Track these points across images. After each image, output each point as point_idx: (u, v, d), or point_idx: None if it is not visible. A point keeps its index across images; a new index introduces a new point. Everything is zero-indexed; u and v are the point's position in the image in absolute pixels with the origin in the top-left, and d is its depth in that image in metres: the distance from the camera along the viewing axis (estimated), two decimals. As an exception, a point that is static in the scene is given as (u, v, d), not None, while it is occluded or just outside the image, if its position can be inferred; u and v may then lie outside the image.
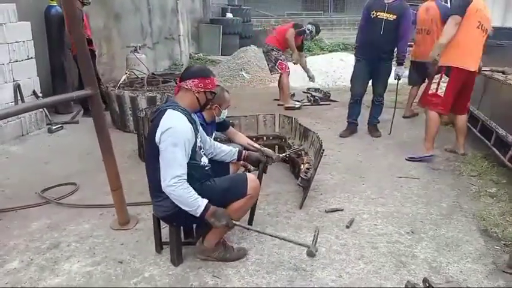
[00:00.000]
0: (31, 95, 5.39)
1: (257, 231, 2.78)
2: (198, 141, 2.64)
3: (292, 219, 3.28)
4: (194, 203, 2.40)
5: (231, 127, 3.59)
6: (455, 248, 2.86)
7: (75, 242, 2.96)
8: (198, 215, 2.42)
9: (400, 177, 4.03)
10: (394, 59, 5.19)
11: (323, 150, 3.45)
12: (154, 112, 2.66)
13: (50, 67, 6.21)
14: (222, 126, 3.50)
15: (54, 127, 5.49)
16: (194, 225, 2.92)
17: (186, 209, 2.42)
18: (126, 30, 8.50)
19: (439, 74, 4.17)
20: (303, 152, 3.91)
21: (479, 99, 4.68)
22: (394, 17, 4.78)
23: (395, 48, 5.02)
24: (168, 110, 2.51)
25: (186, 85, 2.60)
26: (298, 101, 7.10)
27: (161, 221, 2.76)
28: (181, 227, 2.81)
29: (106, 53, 7.85)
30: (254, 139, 4.35)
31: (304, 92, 7.71)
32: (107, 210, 3.40)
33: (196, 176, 2.56)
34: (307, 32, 7.02)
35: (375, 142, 5.07)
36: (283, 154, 3.50)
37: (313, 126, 5.66)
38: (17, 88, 4.96)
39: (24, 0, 5.85)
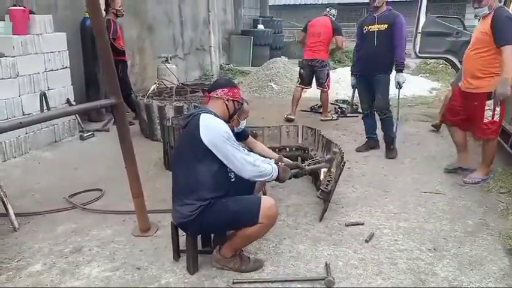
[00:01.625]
0: (65, 103, 5.61)
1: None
2: None
3: (311, 231, 3.26)
4: (274, 171, 2.70)
5: (250, 136, 3.61)
6: (478, 267, 2.76)
7: (97, 247, 3.04)
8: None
9: (425, 192, 3.93)
10: (393, 72, 4.95)
11: (344, 162, 3.42)
12: (188, 117, 2.72)
13: (84, 76, 6.45)
14: (241, 136, 3.54)
15: (85, 134, 5.68)
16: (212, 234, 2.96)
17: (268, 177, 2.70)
18: (159, 41, 8.73)
19: (491, 101, 3.87)
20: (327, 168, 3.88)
21: (511, 113, 4.52)
22: (386, 26, 4.75)
23: (393, 61, 4.84)
24: (203, 114, 2.60)
25: (216, 94, 2.73)
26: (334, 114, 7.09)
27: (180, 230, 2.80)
28: (199, 236, 2.85)
29: (138, 63, 8.08)
30: (277, 150, 4.38)
31: (331, 104, 7.67)
32: (129, 216, 3.48)
33: (219, 187, 2.58)
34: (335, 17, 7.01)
35: (401, 156, 4.97)
36: (309, 167, 3.45)
37: (339, 138, 5.67)
38: (43, 96, 5.14)
39: (61, 11, 6.13)
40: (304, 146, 4.51)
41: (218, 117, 2.64)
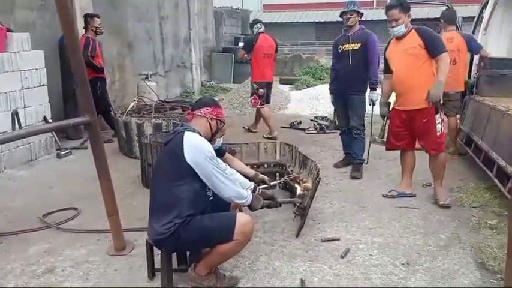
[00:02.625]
0: (41, 121, 5.56)
1: None
2: None
3: (288, 248, 3.27)
4: (248, 198, 2.73)
5: (227, 153, 3.64)
6: (450, 281, 2.80)
7: (70, 267, 3.00)
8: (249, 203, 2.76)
9: (400, 207, 3.99)
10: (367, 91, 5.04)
11: (319, 178, 3.46)
12: (171, 134, 2.75)
13: (62, 94, 6.42)
14: (218, 153, 3.54)
15: (62, 152, 5.63)
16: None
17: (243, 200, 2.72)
18: (139, 59, 8.76)
19: (439, 114, 3.95)
20: (300, 180, 3.92)
21: (482, 130, 4.66)
22: (359, 45, 4.86)
23: (368, 79, 4.94)
24: (186, 132, 2.61)
25: (200, 112, 2.77)
26: (303, 129, 7.19)
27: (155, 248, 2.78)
28: (175, 253, 2.84)
29: (118, 80, 8.08)
30: (255, 166, 4.41)
31: (311, 120, 7.77)
32: (104, 235, 3.44)
33: (198, 205, 2.60)
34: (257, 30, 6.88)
35: (377, 172, 5.05)
36: (278, 181, 3.52)
37: (317, 154, 5.74)
38: (15, 115, 5.08)
39: (39, 29, 6.13)
40: (281, 163, 4.55)
41: (201, 135, 2.67)
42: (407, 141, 4.15)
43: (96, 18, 6.26)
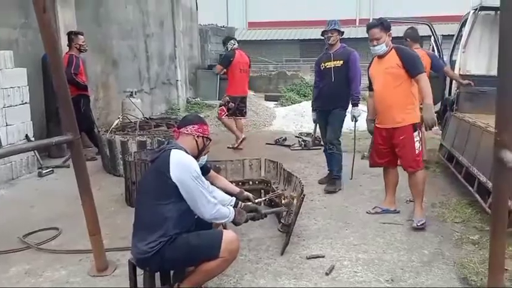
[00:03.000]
0: (24, 139, 5.49)
1: None
2: None
3: (273, 265, 3.26)
4: (230, 215, 2.74)
5: (212, 171, 3.63)
6: (434, 297, 2.82)
7: (51, 289, 2.94)
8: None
9: (384, 223, 4.02)
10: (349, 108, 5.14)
11: (303, 195, 3.47)
12: (158, 151, 2.74)
13: (45, 112, 6.36)
14: (203, 171, 3.54)
15: (44, 171, 5.55)
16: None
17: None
18: (124, 76, 8.74)
19: (417, 132, 3.96)
20: (284, 197, 3.92)
21: (463, 146, 4.74)
22: (341, 62, 4.96)
23: (350, 97, 5.04)
24: (173, 150, 2.61)
25: (187, 130, 2.76)
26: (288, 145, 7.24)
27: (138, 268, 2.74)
28: (158, 273, 2.80)
29: (102, 97, 8.04)
30: (240, 183, 4.40)
31: (296, 137, 7.82)
32: (86, 255, 3.38)
33: (183, 224, 2.58)
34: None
35: (361, 188, 5.08)
36: (262, 199, 3.52)
37: (302, 170, 5.75)
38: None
39: (22, 47, 6.09)
40: (266, 179, 4.55)
41: (187, 153, 2.66)
42: (389, 158, 4.17)
43: (80, 36, 6.26)
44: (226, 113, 6.98)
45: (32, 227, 3.90)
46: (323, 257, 3.38)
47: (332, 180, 5.03)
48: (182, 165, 2.55)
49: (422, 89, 3.84)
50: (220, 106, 7.09)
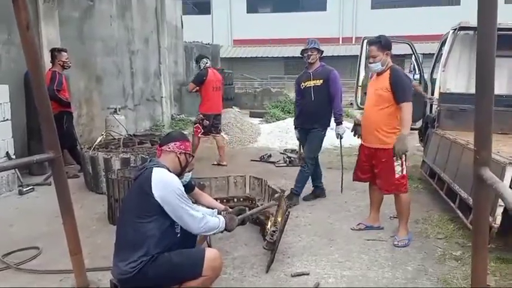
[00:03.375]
0: (4, 156, 5.39)
1: None
2: None
3: (257, 283, 3.23)
4: (221, 224, 2.78)
5: (196, 188, 3.61)
6: (418, 314, 2.82)
7: (29, 310, 2.86)
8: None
9: (368, 240, 4.03)
10: (330, 126, 5.19)
11: (288, 212, 3.47)
12: (140, 170, 2.73)
13: (26, 129, 6.27)
14: (187, 188, 3.52)
15: (25, 189, 5.44)
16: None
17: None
18: (108, 92, 8.70)
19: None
20: (270, 214, 3.92)
21: (444, 163, 4.81)
22: (321, 81, 5.00)
23: (331, 115, 5.08)
24: (155, 169, 2.60)
25: (169, 148, 2.77)
26: (273, 162, 7.27)
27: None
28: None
29: (85, 114, 7.97)
30: (225, 201, 4.39)
31: (281, 153, 7.84)
32: (67, 275, 3.31)
33: (165, 243, 2.56)
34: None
35: (346, 204, 5.11)
36: (246, 214, 3.48)
37: (287, 187, 5.72)
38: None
39: (4, 64, 6.03)
40: (251, 197, 4.55)
41: (170, 171, 2.65)
42: (371, 175, 4.17)
43: (64, 53, 6.22)
44: (202, 131, 7.05)
45: (12, 246, 3.80)
46: (308, 274, 3.37)
47: (289, 195, 4.98)
48: (164, 183, 2.54)
49: (402, 117, 3.83)
50: (195, 124, 7.19)
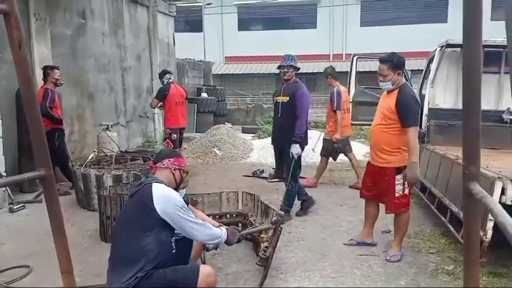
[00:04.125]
0: (-5, 174, 5.35)
1: None
2: None
3: (250, 300, 3.22)
4: (223, 235, 2.81)
5: (189, 205, 3.60)
6: (411, 329, 2.83)
7: (19, 330, 2.82)
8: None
9: (360, 255, 4.04)
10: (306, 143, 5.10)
11: (281, 228, 3.47)
12: (138, 186, 2.75)
13: (17, 146, 6.23)
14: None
15: (15, 206, 5.40)
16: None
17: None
18: (100, 109, 8.69)
19: (401, 175, 3.86)
20: (264, 231, 3.91)
21: (435, 177, 4.86)
22: (287, 98, 4.95)
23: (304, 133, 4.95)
24: (154, 184, 2.63)
25: (163, 164, 2.80)
26: (266, 177, 7.29)
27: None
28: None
29: (77, 131, 7.95)
30: (217, 217, 4.38)
31: (273, 169, 7.84)
32: (58, 294, 3.27)
33: (161, 258, 2.56)
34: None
35: (338, 219, 5.12)
36: (247, 231, 3.48)
37: (279, 202, 5.73)
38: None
39: (-4, 81, 6.02)
40: (244, 212, 4.54)
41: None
42: (375, 193, 4.09)
43: (56, 70, 6.24)
44: (172, 146, 7.18)
45: (2, 265, 3.76)
46: (301, 290, 3.37)
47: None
48: (165, 197, 2.59)
49: (409, 144, 3.71)
50: (165, 140, 7.36)
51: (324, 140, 6.88)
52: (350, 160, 6.80)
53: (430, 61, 6.53)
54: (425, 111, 6.06)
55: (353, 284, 3.46)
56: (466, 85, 1.86)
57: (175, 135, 7.21)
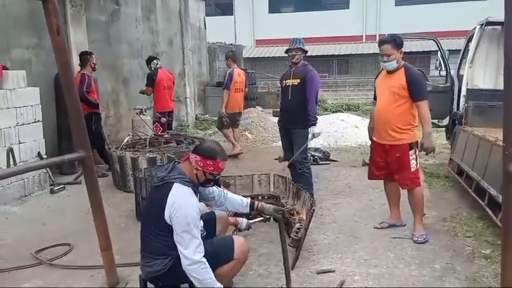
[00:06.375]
0: (36, 156, 5.57)
1: None
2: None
3: (283, 280, 3.23)
4: (212, 284, 2.51)
5: (221, 186, 3.65)
6: (446, 312, 2.79)
7: (63, 305, 2.96)
8: None
9: (394, 238, 4.00)
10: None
11: (313, 210, 3.48)
12: (161, 180, 2.68)
13: (57, 129, 6.46)
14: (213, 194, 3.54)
15: (56, 188, 5.61)
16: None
17: None
18: (134, 94, 8.85)
19: (413, 150, 3.93)
20: (295, 212, 3.93)
21: (473, 160, 4.73)
22: (298, 80, 4.89)
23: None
24: (175, 184, 2.58)
25: (191, 158, 2.71)
26: None
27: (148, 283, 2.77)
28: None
29: (113, 115, 8.15)
30: (249, 199, 4.41)
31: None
32: (98, 271, 3.41)
33: None
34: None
35: (371, 202, 5.07)
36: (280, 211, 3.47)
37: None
38: (10, 152, 5.11)
39: (35, 67, 6.23)
40: (275, 194, 4.57)
41: (191, 183, 2.63)
42: (386, 171, 4.13)
43: (93, 55, 6.42)
44: (161, 129, 7.34)
45: (44, 243, 3.94)
46: (333, 271, 3.37)
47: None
48: (178, 205, 2.51)
49: (422, 115, 3.86)
50: (154, 123, 7.48)
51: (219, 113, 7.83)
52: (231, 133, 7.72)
53: (469, 40, 6.30)
54: (463, 91, 5.88)
55: (386, 267, 3.44)
56: (507, 64, 1.80)
57: (164, 119, 7.44)
